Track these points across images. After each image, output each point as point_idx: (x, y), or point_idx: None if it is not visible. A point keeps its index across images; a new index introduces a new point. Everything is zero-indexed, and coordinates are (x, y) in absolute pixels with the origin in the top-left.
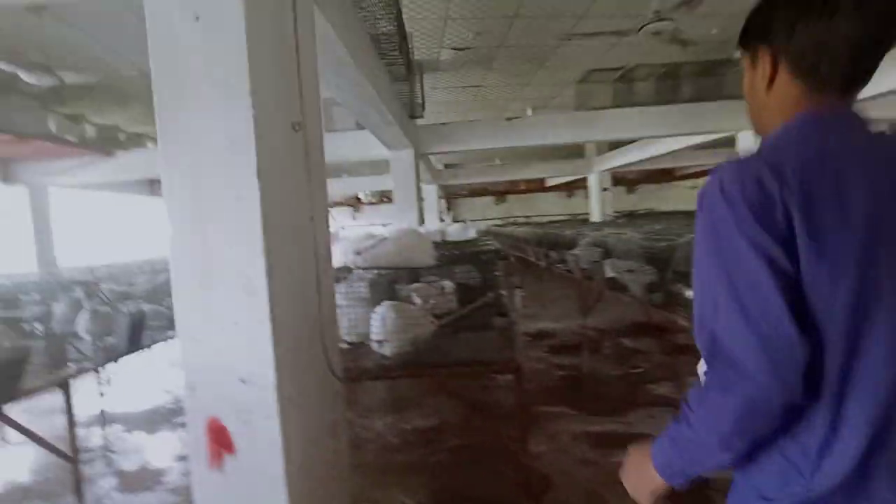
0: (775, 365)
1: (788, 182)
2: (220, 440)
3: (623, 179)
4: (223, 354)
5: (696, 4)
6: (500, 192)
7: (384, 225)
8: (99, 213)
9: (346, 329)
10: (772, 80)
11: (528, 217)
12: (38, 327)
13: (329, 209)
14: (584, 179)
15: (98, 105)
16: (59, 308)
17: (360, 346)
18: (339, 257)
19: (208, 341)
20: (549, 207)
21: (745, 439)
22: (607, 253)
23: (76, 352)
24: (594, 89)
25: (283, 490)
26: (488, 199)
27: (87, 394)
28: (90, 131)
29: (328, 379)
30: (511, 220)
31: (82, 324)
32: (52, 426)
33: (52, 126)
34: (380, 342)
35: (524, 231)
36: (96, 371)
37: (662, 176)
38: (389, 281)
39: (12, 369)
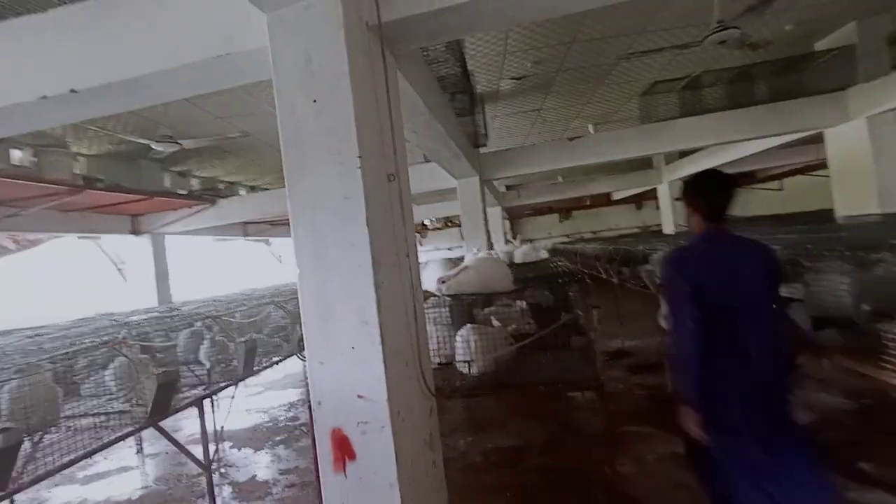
0: (691, 337)
1: (695, 262)
2: (343, 448)
3: None
4: (343, 374)
5: (763, 8)
6: (565, 209)
7: (449, 248)
8: (204, 255)
9: (433, 351)
10: (690, 215)
11: (595, 232)
12: (168, 357)
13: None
14: (654, 190)
15: (202, 161)
16: (182, 339)
17: (447, 366)
18: (425, 285)
19: (331, 363)
20: (618, 220)
21: (692, 368)
22: None
23: (199, 377)
24: (659, 100)
25: (397, 492)
26: (553, 217)
27: (206, 413)
28: (195, 184)
29: (426, 396)
30: (578, 236)
31: (203, 352)
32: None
33: (167, 182)
34: (466, 362)
35: (593, 247)
36: (214, 394)
37: (743, 180)
38: (467, 305)
39: (168, 391)
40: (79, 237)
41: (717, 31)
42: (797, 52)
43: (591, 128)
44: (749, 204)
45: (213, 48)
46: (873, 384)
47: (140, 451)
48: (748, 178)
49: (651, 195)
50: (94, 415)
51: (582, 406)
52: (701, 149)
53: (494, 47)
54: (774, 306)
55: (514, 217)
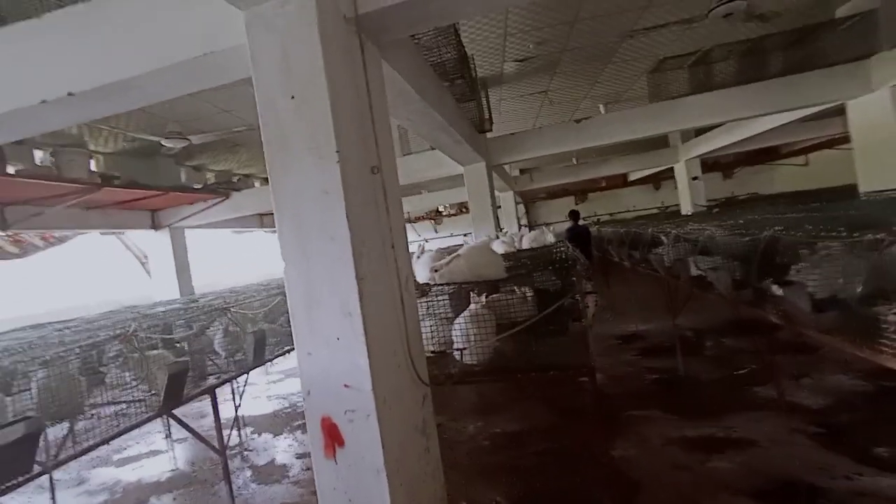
0: None
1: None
2: (332, 435)
3: (717, 165)
4: (330, 364)
5: None
6: (581, 192)
7: (465, 235)
8: (225, 247)
9: (432, 339)
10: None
11: (612, 214)
12: (186, 346)
13: (408, 228)
14: (671, 169)
15: (215, 155)
16: (199, 329)
17: (445, 355)
18: (422, 274)
19: (318, 354)
20: (636, 201)
21: None
22: (694, 250)
23: (215, 366)
24: (668, 78)
25: (384, 477)
26: (568, 200)
27: (224, 400)
28: (210, 178)
29: (416, 383)
30: (594, 218)
31: (217, 342)
32: (198, 427)
33: (183, 177)
34: (460, 350)
35: (606, 231)
36: (231, 381)
37: (766, 156)
38: (468, 292)
39: (178, 381)
40: (101, 233)
41: (722, 4)
42: (816, 21)
43: (601, 108)
44: (772, 181)
45: (195, 48)
46: (871, 366)
47: (169, 435)
48: (769, 155)
49: (669, 174)
50: (115, 403)
51: (586, 390)
52: (718, 125)
53: (494, 30)
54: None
55: (529, 201)
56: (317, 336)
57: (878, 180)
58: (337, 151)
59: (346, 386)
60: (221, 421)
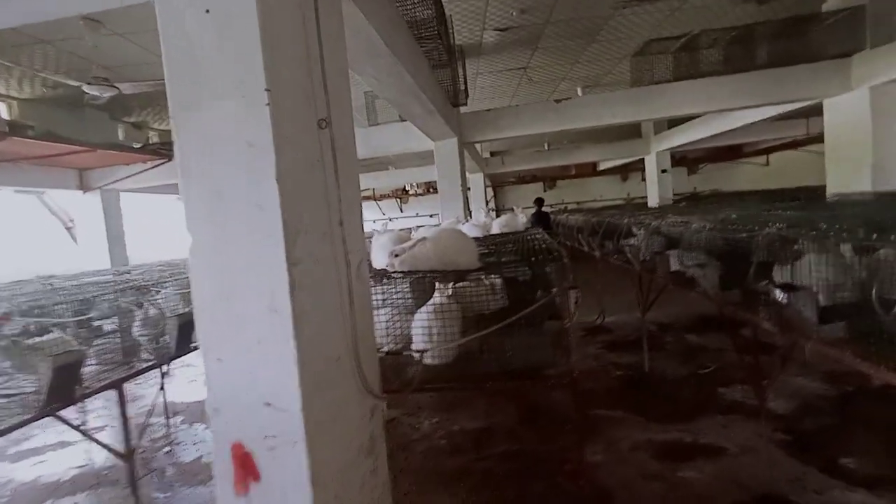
0: None
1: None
2: (246, 467)
3: (683, 159)
4: (247, 376)
5: None
6: (550, 178)
7: (431, 216)
8: (165, 215)
9: (387, 337)
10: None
11: (579, 203)
12: (106, 326)
13: (371, 206)
14: (640, 161)
15: (159, 112)
16: (122, 308)
17: (402, 355)
18: (380, 258)
19: (232, 361)
20: (603, 191)
21: None
22: (670, 243)
23: (139, 351)
24: (653, 62)
25: None
26: (537, 186)
27: (152, 388)
28: (153, 136)
29: (363, 396)
30: (562, 206)
31: (137, 326)
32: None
33: (121, 135)
34: (420, 351)
35: (576, 219)
36: (158, 368)
37: (729, 154)
38: (433, 280)
39: (67, 374)
40: (16, 191)
41: None
42: (803, 12)
43: (579, 91)
44: (733, 178)
45: None
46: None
47: (81, 424)
48: (733, 153)
49: (637, 166)
50: None
51: (554, 387)
52: (691, 118)
53: None
54: None
55: (498, 185)
56: (231, 337)
57: (846, 182)
58: (267, 90)
59: (267, 404)
60: (149, 409)
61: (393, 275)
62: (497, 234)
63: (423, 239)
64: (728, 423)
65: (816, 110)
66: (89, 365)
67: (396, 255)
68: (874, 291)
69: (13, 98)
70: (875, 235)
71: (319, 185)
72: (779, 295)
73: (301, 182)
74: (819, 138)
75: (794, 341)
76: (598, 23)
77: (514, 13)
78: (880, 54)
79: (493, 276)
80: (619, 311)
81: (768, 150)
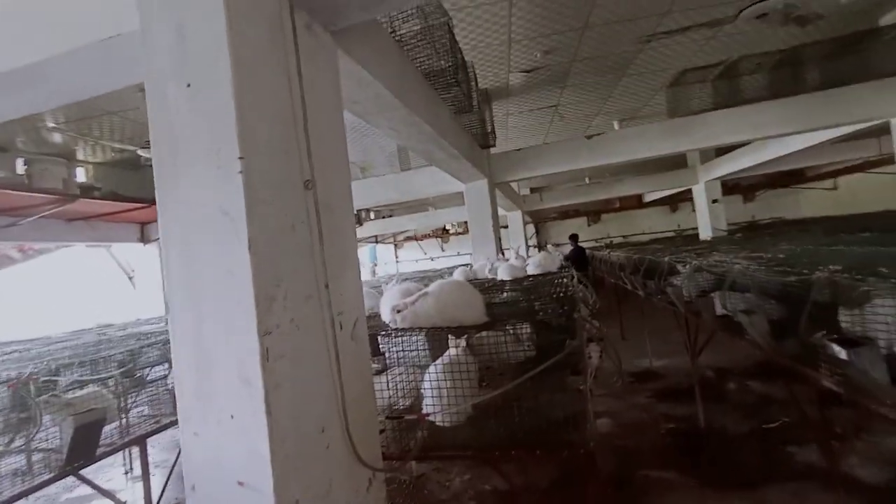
0: None
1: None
2: None
3: (737, 187)
4: (221, 451)
5: None
6: (594, 212)
7: (471, 254)
8: None
9: (396, 396)
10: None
11: (626, 237)
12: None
13: (414, 247)
14: (690, 191)
15: None
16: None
17: (405, 419)
18: (387, 313)
19: (207, 435)
20: (651, 224)
21: None
22: (717, 283)
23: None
24: (690, 92)
25: None
26: (581, 220)
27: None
28: None
29: (355, 468)
30: (607, 240)
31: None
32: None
33: None
34: (430, 414)
35: (619, 255)
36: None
37: (791, 178)
38: (449, 332)
39: (89, 433)
40: (87, 246)
41: (756, 3)
42: (858, 29)
43: (615, 125)
44: (797, 204)
45: (97, 30)
46: None
47: (129, 471)
48: (794, 178)
49: (687, 196)
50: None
51: (568, 459)
52: (743, 144)
53: (497, 36)
54: None
55: (539, 221)
56: (206, 411)
57: None
58: (240, 158)
59: (240, 483)
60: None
61: (398, 331)
62: (523, 278)
63: (425, 294)
64: (801, 491)
65: (888, 129)
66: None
67: (399, 311)
68: None
69: (88, 163)
70: None
71: (304, 247)
72: (839, 351)
73: (276, 247)
74: (892, 159)
75: (863, 405)
76: (626, 57)
77: (539, 55)
78: None
79: (521, 322)
80: (669, 355)
81: (835, 174)
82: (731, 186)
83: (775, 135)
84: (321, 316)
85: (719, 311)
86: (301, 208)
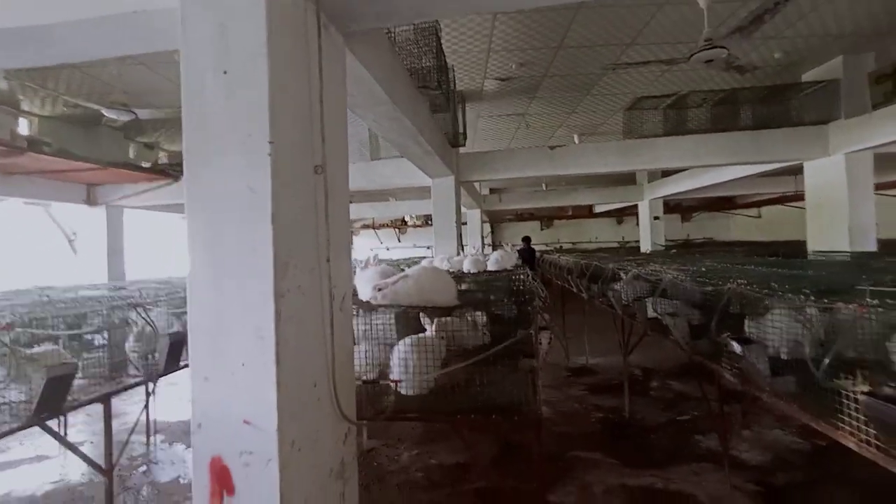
0: None
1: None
2: (222, 480)
3: (678, 207)
4: (230, 395)
5: (751, 31)
6: (547, 218)
7: (428, 247)
8: (167, 234)
9: (368, 365)
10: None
11: (574, 243)
12: (98, 341)
13: (370, 235)
14: (636, 206)
15: (171, 134)
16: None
17: (379, 384)
18: (364, 290)
19: (217, 381)
20: (598, 233)
21: None
22: (652, 289)
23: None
24: (644, 117)
25: None
26: (534, 224)
27: (138, 405)
28: (162, 157)
29: (337, 421)
30: (558, 245)
31: (130, 342)
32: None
33: (132, 153)
34: (397, 382)
35: (567, 260)
36: (145, 385)
37: (722, 204)
38: (414, 315)
39: (59, 386)
40: (25, 202)
41: (705, 49)
42: (784, 81)
43: (576, 138)
44: (727, 228)
45: (124, 2)
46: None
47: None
48: (727, 203)
49: (632, 210)
50: None
51: (519, 425)
52: (685, 169)
53: (478, 44)
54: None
55: (495, 221)
56: (218, 359)
57: (826, 240)
58: (270, 142)
59: (246, 422)
60: (131, 428)
61: (378, 307)
62: (487, 272)
63: (406, 276)
64: (700, 471)
65: (801, 169)
66: (78, 378)
67: (379, 289)
68: (806, 348)
69: (34, 115)
70: (812, 298)
71: (309, 225)
72: (735, 347)
73: (293, 223)
74: (804, 196)
75: (750, 394)
76: (592, 79)
77: (514, 66)
78: (853, 125)
79: (478, 312)
80: (605, 354)
81: (759, 204)
82: (672, 206)
83: (712, 164)
84: (321, 286)
85: (651, 314)
86: (311, 191)
